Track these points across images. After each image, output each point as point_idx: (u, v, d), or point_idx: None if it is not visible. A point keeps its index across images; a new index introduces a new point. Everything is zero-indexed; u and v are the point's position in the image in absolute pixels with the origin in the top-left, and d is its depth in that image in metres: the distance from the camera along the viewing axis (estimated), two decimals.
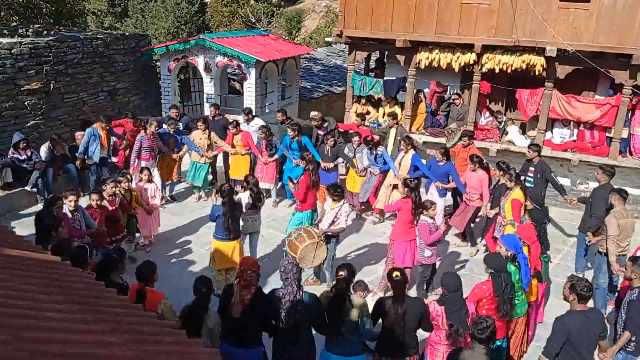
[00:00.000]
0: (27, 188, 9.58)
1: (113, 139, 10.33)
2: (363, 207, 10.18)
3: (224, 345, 4.72)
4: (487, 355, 4.26)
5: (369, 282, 6.66)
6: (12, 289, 2.60)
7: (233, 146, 10.38)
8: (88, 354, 2.03)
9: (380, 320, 4.98)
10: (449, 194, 9.37)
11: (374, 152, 9.66)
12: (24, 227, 9.36)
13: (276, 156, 10.37)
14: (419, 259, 7.09)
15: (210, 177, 10.95)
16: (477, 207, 8.60)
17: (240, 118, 11.16)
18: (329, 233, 7.17)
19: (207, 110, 12.95)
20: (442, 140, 11.12)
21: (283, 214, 10.00)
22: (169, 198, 10.50)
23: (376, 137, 10.16)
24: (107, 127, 9.89)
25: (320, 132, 10.54)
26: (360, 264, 8.21)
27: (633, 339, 5.19)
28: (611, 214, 6.84)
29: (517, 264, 5.58)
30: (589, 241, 7.54)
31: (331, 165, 9.86)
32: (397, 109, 11.84)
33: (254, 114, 11.41)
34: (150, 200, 8.42)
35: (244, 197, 7.38)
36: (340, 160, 10.08)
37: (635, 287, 5.31)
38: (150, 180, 8.49)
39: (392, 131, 10.20)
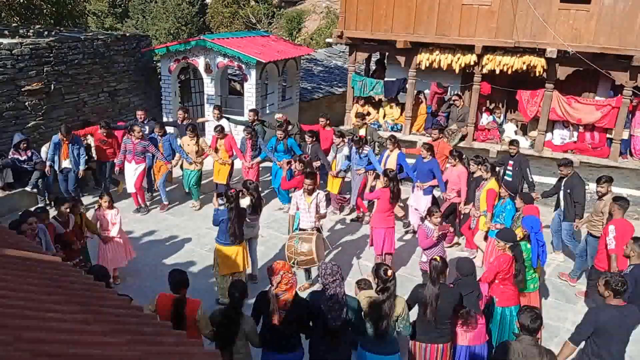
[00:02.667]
0: (28, 189, 9.60)
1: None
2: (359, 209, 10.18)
3: (265, 352, 4.80)
4: (536, 346, 4.42)
5: (367, 276, 6.73)
6: (13, 289, 2.60)
7: (216, 150, 10.30)
8: (89, 355, 2.03)
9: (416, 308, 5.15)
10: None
11: (360, 152, 9.69)
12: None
13: (259, 158, 10.30)
14: (419, 264, 7.14)
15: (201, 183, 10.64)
16: (455, 203, 8.76)
17: (226, 122, 11.03)
18: (319, 225, 7.41)
19: (207, 112, 12.98)
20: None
21: (283, 215, 9.99)
22: (166, 203, 10.42)
23: (357, 137, 10.18)
24: (68, 139, 9.42)
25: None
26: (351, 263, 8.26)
27: None
28: (606, 202, 7.43)
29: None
30: (577, 227, 8.18)
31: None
32: (396, 111, 11.86)
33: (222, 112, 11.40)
34: (110, 228, 7.47)
35: (244, 202, 7.36)
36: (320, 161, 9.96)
37: (632, 264, 5.74)
38: (111, 207, 7.56)
39: (362, 132, 10.43)
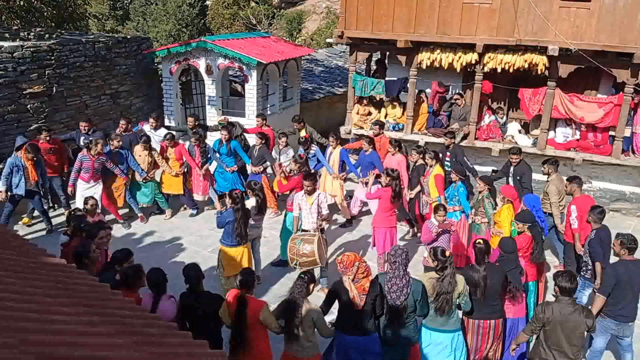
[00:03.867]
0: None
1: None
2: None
3: (344, 336, 5.06)
4: (573, 305, 4.94)
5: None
6: (18, 292, 2.60)
7: (166, 160, 9.86)
8: (95, 357, 2.03)
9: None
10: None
11: (308, 151, 9.74)
12: (27, 230, 9.40)
13: (207, 165, 10.02)
14: (422, 262, 7.19)
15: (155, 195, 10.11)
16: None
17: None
18: (322, 226, 7.42)
19: (209, 113, 12.98)
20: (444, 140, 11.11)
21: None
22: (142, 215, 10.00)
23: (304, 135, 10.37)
24: (34, 157, 8.81)
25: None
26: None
27: (590, 266, 6.53)
28: (550, 182, 8.22)
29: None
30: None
31: (260, 168, 9.82)
32: (398, 110, 11.85)
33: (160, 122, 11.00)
34: None
35: (250, 202, 7.36)
36: (268, 163, 9.87)
37: (594, 229, 6.54)
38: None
39: (302, 133, 10.62)
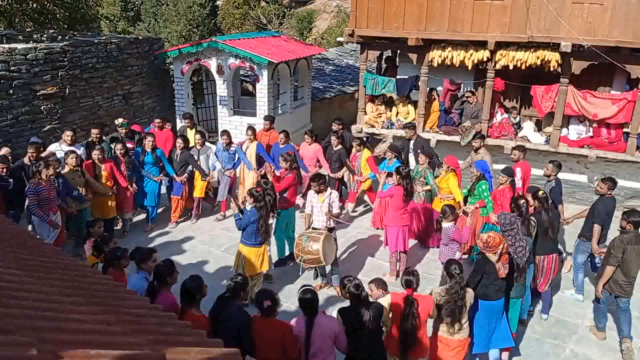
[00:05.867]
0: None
1: None
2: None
3: (486, 302, 5.62)
4: (637, 236, 6.17)
5: (382, 275, 6.76)
6: (34, 291, 2.63)
7: (95, 177, 8.45)
8: (111, 355, 2.04)
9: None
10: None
11: (229, 149, 9.86)
12: None
13: (130, 183, 9.11)
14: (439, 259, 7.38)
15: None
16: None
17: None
18: (332, 225, 7.43)
19: (221, 113, 13.02)
20: (456, 138, 11.06)
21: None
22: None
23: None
24: None
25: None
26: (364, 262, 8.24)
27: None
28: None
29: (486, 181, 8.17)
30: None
31: (185, 177, 9.57)
32: (410, 108, 11.81)
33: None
34: None
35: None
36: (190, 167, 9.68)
37: (551, 179, 8.06)
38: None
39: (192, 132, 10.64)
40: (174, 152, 9.64)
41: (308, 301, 4.71)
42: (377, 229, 9.58)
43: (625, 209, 6.60)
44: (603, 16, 9.49)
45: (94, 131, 9.10)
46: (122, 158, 8.92)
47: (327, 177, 8.73)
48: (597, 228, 7.10)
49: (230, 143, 9.92)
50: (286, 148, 9.60)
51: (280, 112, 13.51)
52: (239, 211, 7.01)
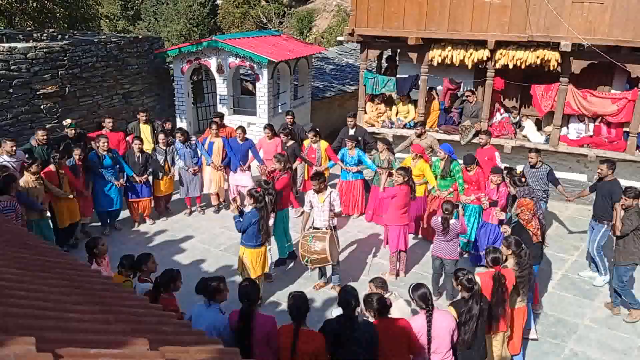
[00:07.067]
0: None
1: None
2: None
3: None
4: None
5: (382, 274, 6.75)
6: (34, 290, 2.63)
7: (58, 185, 8.02)
8: (110, 355, 2.04)
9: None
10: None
11: (189, 146, 9.88)
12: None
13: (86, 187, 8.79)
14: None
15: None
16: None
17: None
18: (335, 224, 7.38)
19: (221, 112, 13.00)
20: (456, 137, 11.06)
21: (295, 214, 9.99)
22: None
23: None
24: None
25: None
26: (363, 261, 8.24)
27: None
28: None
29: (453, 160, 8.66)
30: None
31: (144, 177, 9.39)
32: (410, 107, 11.81)
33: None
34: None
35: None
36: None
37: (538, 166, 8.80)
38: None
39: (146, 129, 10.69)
40: (128, 153, 9.31)
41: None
42: (370, 221, 9.79)
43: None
44: (603, 15, 9.49)
45: (40, 132, 8.70)
46: (79, 162, 8.57)
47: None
48: (618, 208, 6.98)
49: (187, 139, 9.87)
50: (246, 144, 9.81)
51: (280, 111, 13.51)
52: (238, 213, 6.91)
